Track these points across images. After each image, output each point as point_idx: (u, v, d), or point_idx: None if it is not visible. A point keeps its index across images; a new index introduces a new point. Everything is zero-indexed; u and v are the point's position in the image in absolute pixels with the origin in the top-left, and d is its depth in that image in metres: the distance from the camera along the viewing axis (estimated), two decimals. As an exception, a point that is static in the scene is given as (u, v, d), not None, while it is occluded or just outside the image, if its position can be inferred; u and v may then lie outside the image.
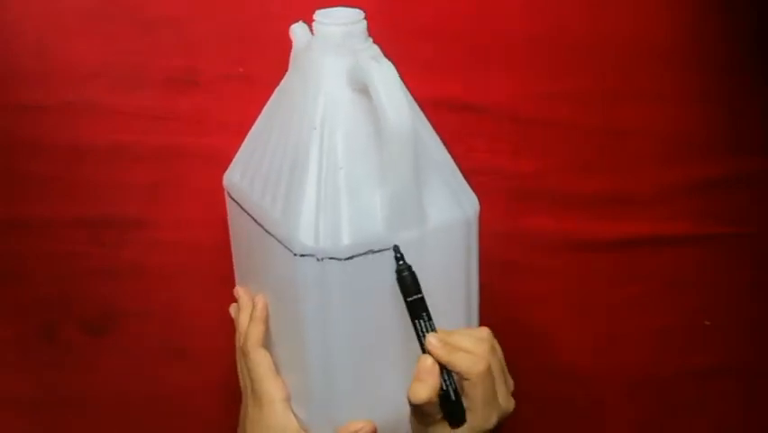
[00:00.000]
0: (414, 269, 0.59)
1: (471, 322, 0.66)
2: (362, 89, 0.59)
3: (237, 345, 0.69)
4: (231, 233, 0.71)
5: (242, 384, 0.69)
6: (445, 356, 0.58)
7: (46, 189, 0.81)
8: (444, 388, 0.58)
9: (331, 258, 0.58)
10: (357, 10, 0.63)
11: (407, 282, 0.59)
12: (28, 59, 0.78)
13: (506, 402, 0.61)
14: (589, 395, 0.90)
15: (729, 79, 0.86)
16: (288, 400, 0.64)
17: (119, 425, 0.85)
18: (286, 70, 0.67)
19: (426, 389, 0.57)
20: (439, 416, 0.59)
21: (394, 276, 0.59)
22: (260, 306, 0.66)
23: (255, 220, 0.65)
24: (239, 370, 0.69)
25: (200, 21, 0.80)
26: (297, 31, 0.66)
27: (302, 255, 0.59)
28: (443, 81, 0.82)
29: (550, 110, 0.85)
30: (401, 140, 0.57)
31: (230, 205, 0.69)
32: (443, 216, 0.61)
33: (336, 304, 0.60)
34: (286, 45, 0.78)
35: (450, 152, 0.65)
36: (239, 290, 0.70)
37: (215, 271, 0.81)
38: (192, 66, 0.80)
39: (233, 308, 0.71)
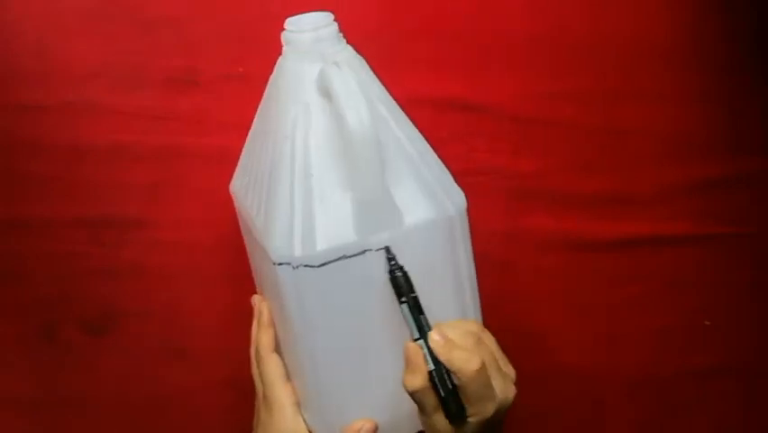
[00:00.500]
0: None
1: (467, 318, 0.67)
2: (328, 95, 0.59)
3: (251, 351, 0.70)
4: (244, 238, 0.71)
5: (256, 389, 0.69)
6: (445, 354, 0.58)
7: (46, 189, 0.81)
8: (443, 385, 0.59)
9: (305, 265, 0.59)
10: (326, 14, 0.63)
11: (401, 283, 0.59)
12: (28, 59, 0.78)
13: (504, 393, 0.61)
14: (589, 395, 0.90)
15: (729, 79, 0.86)
16: (297, 404, 0.65)
17: (119, 425, 0.85)
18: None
19: (418, 377, 0.58)
20: (437, 404, 0.60)
21: (376, 278, 0.60)
22: (265, 312, 0.67)
23: (250, 228, 0.65)
24: (253, 375, 0.69)
25: (200, 21, 0.80)
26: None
27: (279, 264, 0.59)
28: (443, 81, 0.82)
29: (550, 110, 0.85)
30: (363, 143, 0.57)
31: (238, 211, 0.70)
32: (419, 216, 0.61)
33: (316, 309, 0.60)
34: (286, 45, 0.78)
35: (436, 150, 0.65)
36: (254, 298, 0.70)
37: (215, 271, 0.82)
38: (192, 66, 0.80)
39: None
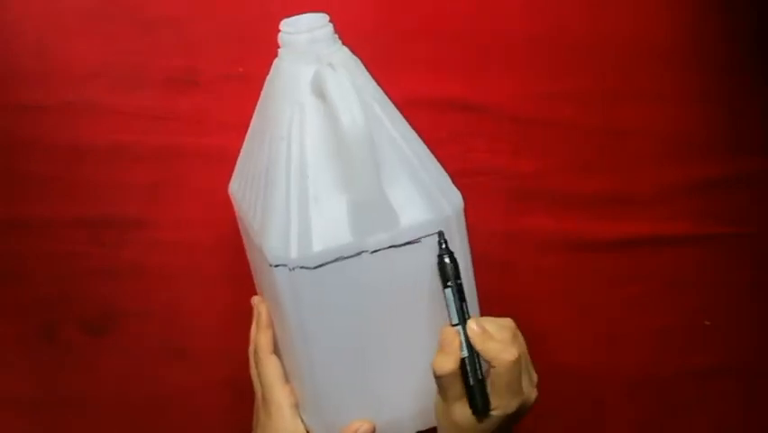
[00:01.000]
0: (389, 271, 0.61)
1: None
2: (323, 96, 0.59)
3: (250, 352, 0.70)
4: (243, 240, 0.71)
5: (255, 390, 0.69)
6: (480, 344, 0.59)
7: (46, 189, 0.81)
8: (474, 373, 0.60)
9: (302, 267, 0.59)
10: (322, 15, 0.63)
11: (448, 268, 0.60)
12: (28, 59, 0.78)
13: (528, 392, 0.62)
14: (589, 395, 0.90)
15: (729, 79, 0.86)
16: (295, 406, 0.65)
17: (119, 425, 0.85)
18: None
19: (450, 360, 0.59)
20: (461, 393, 0.60)
21: (373, 279, 0.61)
22: (263, 313, 0.67)
23: (248, 229, 0.65)
24: (252, 376, 0.69)
25: (200, 21, 0.80)
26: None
27: (275, 265, 0.59)
28: (443, 81, 0.82)
29: (550, 110, 0.85)
30: (357, 144, 0.57)
31: (237, 213, 0.70)
32: (415, 216, 0.61)
33: (313, 310, 0.61)
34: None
35: (433, 151, 0.65)
36: (254, 299, 0.70)
37: (215, 271, 0.82)
38: (192, 66, 0.80)
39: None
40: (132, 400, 0.84)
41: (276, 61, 0.64)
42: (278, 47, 0.64)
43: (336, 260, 0.60)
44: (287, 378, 0.66)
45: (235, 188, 0.69)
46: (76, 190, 0.81)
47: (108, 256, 0.82)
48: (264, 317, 0.67)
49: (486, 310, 0.67)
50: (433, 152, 0.65)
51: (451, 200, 0.63)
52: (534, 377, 0.64)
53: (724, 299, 0.90)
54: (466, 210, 0.64)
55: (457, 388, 0.60)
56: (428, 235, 0.61)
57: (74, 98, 0.79)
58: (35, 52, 0.78)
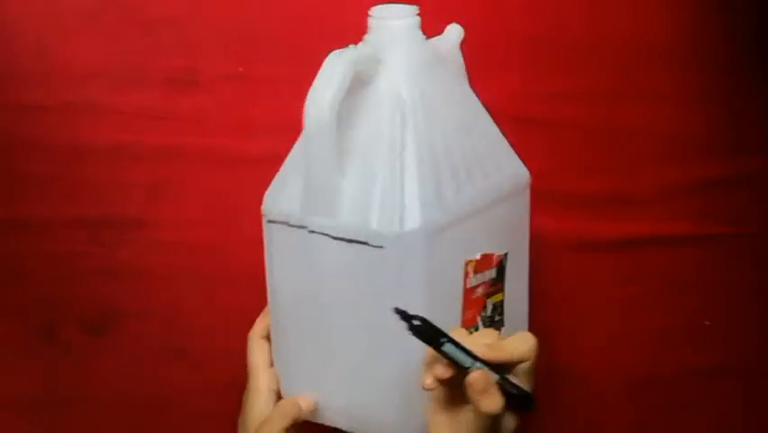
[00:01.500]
0: (333, 258, 0.62)
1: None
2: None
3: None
4: None
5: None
6: (504, 355, 0.58)
7: (46, 189, 0.81)
8: (512, 390, 0.58)
9: (268, 220, 0.65)
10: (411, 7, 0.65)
11: (429, 333, 0.58)
12: (28, 59, 0.78)
13: None
14: (589, 395, 0.90)
15: (729, 79, 0.86)
16: (275, 390, 0.68)
17: (119, 425, 0.85)
18: (286, 70, 0.67)
19: (498, 397, 0.57)
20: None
21: (322, 261, 0.62)
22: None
23: None
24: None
25: (200, 21, 0.80)
26: None
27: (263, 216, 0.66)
28: (443, 81, 0.82)
29: (550, 110, 0.85)
30: (315, 128, 0.59)
31: None
32: (361, 219, 0.61)
33: (278, 268, 0.66)
34: (286, 45, 0.78)
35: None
36: None
37: (215, 271, 0.82)
38: (192, 66, 0.80)
39: None
40: (132, 400, 0.84)
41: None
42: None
43: (284, 223, 0.64)
44: (270, 363, 0.68)
45: None
46: (76, 190, 0.81)
47: (108, 256, 0.82)
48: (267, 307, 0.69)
49: (486, 310, 0.68)
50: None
51: (410, 219, 0.61)
52: None
53: (724, 299, 0.90)
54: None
55: (509, 415, 0.60)
56: (377, 246, 0.60)
57: (74, 98, 0.79)
58: (35, 52, 0.78)
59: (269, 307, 0.68)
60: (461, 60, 0.71)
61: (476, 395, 0.57)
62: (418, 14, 0.65)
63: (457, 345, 0.57)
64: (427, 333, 0.57)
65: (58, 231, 0.81)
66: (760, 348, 0.90)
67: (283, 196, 0.64)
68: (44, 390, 0.84)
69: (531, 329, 0.72)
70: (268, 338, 0.70)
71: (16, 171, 0.80)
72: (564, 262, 0.87)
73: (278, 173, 0.66)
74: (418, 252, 0.61)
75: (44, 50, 0.78)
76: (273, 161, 0.67)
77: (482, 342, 0.59)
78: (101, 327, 0.83)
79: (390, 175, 0.61)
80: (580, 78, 0.84)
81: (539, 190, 0.86)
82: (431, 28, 0.82)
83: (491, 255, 0.66)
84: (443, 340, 0.57)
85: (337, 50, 0.60)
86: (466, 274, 0.64)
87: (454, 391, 0.59)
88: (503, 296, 0.68)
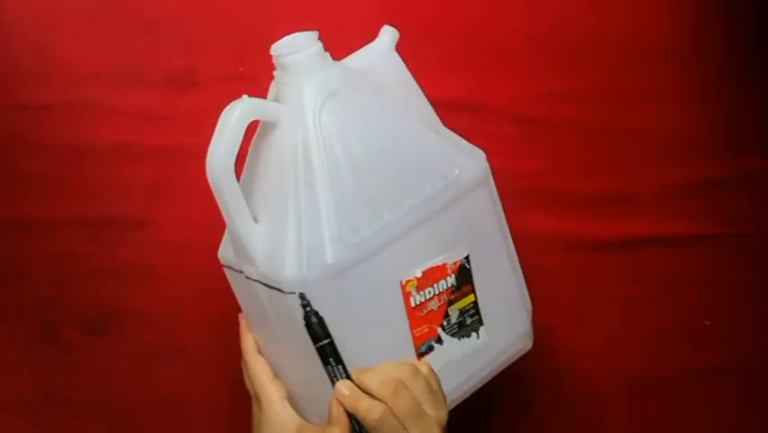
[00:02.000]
0: (266, 301, 0.63)
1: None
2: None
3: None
4: None
5: (250, 393, 0.70)
6: (350, 405, 0.60)
7: (46, 189, 0.81)
8: (358, 430, 0.60)
9: (221, 264, 0.68)
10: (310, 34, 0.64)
11: (315, 328, 0.61)
12: (28, 59, 0.78)
13: None
14: (588, 395, 0.90)
15: (729, 79, 0.86)
16: (285, 398, 0.67)
17: (119, 425, 0.85)
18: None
19: (336, 430, 0.60)
20: None
21: (255, 298, 0.64)
22: (241, 320, 0.70)
23: None
24: (245, 381, 0.71)
25: (200, 21, 0.80)
26: None
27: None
28: (443, 81, 0.82)
29: (550, 110, 0.85)
30: (210, 180, 0.61)
31: None
32: (275, 267, 0.61)
33: (246, 310, 0.69)
34: (286, 45, 0.78)
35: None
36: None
37: (215, 271, 0.81)
38: (192, 66, 0.80)
39: None
40: (132, 401, 0.84)
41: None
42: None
43: (229, 267, 0.67)
44: (274, 374, 0.68)
45: None
46: (76, 190, 0.81)
47: (108, 256, 0.82)
48: (242, 322, 0.70)
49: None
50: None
51: (317, 259, 0.61)
52: (441, 414, 0.62)
53: (724, 299, 0.90)
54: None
55: None
56: (290, 293, 0.61)
57: (74, 98, 0.79)
58: (35, 52, 0.78)
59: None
60: (397, 63, 0.69)
61: (328, 419, 0.61)
62: (319, 39, 0.63)
63: (327, 359, 0.61)
64: (315, 331, 0.61)
65: (58, 231, 0.81)
66: (760, 348, 0.90)
67: (228, 242, 0.66)
68: (44, 390, 0.84)
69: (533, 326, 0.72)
70: (260, 352, 0.70)
71: (16, 171, 0.80)
72: (564, 262, 0.87)
73: None
74: (330, 293, 0.61)
75: (44, 50, 0.78)
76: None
77: (360, 380, 0.61)
78: (101, 327, 0.83)
79: (296, 220, 0.61)
80: (580, 78, 0.84)
81: (539, 190, 0.86)
82: (430, 28, 0.83)
83: (442, 266, 0.65)
84: (321, 343, 0.61)
85: (232, 102, 0.61)
86: (407, 294, 0.64)
87: None
88: (474, 297, 0.68)
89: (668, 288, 0.89)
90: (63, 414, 0.84)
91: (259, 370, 0.68)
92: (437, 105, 0.74)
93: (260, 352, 0.69)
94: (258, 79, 0.68)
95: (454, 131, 0.74)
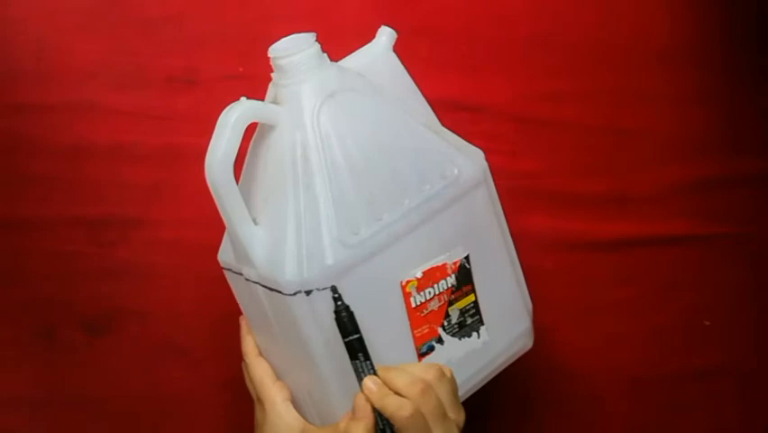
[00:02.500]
0: (267, 302, 0.63)
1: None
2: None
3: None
4: None
5: (252, 396, 0.70)
6: (378, 401, 0.60)
7: (46, 189, 0.81)
8: (381, 428, 0.60)
9: (221, 267, 0.69)
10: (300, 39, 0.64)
11: (345, 322, 0.61)
12: (28, 59, 0.78)
13: None
14: (588, 395, 0.90)
15: (728, 80, 0.86)
16: (288, 399, 0.67)
17: (119, 425, 0.85)
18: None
19: (361, 427, 0.60)
20: None
21: (256, 299, 0.64)
22: (242, 323, 0.70)
23: None
24: (247, 383, 0.71)
25: (200, 21, 0.80)
26: None
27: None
28: (442, 81, 0.82)
29: (549, 110, 0.85)
30: (210, 183, 0.62)
31: None
32: (276, 269, 0.61)
33: (248, 314, 0.69)
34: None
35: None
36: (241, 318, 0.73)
37: (216, 271, 0.81)
38: (192, 66, 0.80)
39: None
40: (132, 401, 0.84)
41: None
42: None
43: (228, 270, 0.67)
44: (276, 376, 0.68)
45: None
46: (76, 190, 0.81)
47: (108, 256, 0.82)
48: (243, 325, 0.70)
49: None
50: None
51: (318, 263, 0.61)
52: (460, 419, 0.63)
53: (723, 299, 0.90)
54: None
55: None
56: (289, 294, 0.61)
57: (74, 98, 0.79)
58: (35, 52, 0.78)
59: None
60: (395, 64, 0.70)
61: (352, 413, 0.61)
62: (317, 41, 0.63)
63: (354, 354, 0.60)
64: (345, 325, 0.61)
65: (58, 231, 0.81)
66: (759, 348, 0.90)
67: (227, 244, 0.67)
68: (44, 390, 0.84)
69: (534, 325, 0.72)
70: (261, 354, 0.70)
71: (16, 171, 0.80)
72: (564, 262, 0.87)
73: None
74: (328, 296, 0.61)
75: (44, 50, 0.78)
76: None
77: (386, 377, 0.61)
78: (101, 327, 0.83)
79: (295, 222, 0.61)
80: (579, 78, 0.84)
81: (539, 190, 0.86)
82: (430, 28, 0.83)
83: (442, 266, 0.66)
84: (351, 338, 0.61)
85: (230, 105, 0.61)
86: (407, 295, 0.64)
87: None
88: (475, 297, 0.68)
89: (667, 288, 0.89)
90: (63, 414, 0.84)
91: (260, 372, 0.68)
92: (437, 105, 0.74)
93: (261, 354, 0.69)
94: (258, 79, 0.68)
95: (454, 131, 0.74)
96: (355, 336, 0.61)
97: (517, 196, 0.85)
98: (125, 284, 0.83)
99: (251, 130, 0.64)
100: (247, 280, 0.65)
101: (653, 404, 0.90)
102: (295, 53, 0.62)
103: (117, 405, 0.84)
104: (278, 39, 0.64)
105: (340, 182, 0.62)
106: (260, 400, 0.68)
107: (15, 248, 0.82)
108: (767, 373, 0.91)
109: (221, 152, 0.60)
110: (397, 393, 0.60)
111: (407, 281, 0.64)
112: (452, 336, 0.67)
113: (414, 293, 0.65)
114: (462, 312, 0.67)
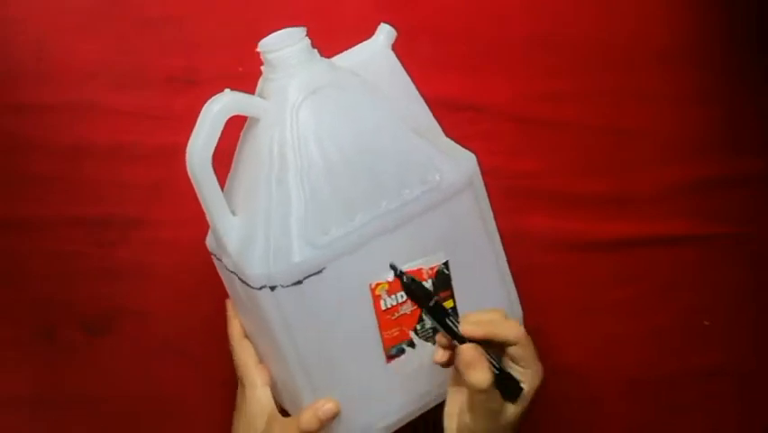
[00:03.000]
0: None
1: None
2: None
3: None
4: None
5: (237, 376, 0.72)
6: (491, 331, 0.61)
7: (46, 189, 0.81)
8: (497, 368, 0.61)
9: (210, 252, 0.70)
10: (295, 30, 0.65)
11: (416, 293, 0.61)
12: (28, 59, 0.78)
13: (538, 368, 0.65)
14: (588, 395, 0.90)
15: (728, 80, 0.86)
16: (267, 384, 0.69)
17: (119, 425, 0.85)
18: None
19: (485, 372, 0.60)
20: (498, 396, 0.63)
21: (241, 293, 0.65)
22: (228, 305, 0.72)
23: None
24: (235, 365, 0.72)
25: (200, 20, 0.80)
26: None
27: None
28: (442, 81, 0.82)
29: (549, 110, 0.85)
30: (189, 172, 0.62)
31: None
32: (249, 263, 0.63)
33: (234, 297, 0.70)
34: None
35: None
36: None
37: (216, 271, 0.81)
38: (192, 65, 0.80)
39: None
40: (132, 400, 0.84)
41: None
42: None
43: (213, 254, 0.69)
44: (259, 359, 0.70)
45: None
46: (76, 190, 0.81)
47: (108, 256, 0.82)
48: (228, 308, 0.72)
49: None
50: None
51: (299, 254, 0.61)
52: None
53: (723, 299, 0.90)
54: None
55: (496, 394, 0.62)
56: (256, 288, 0.62)
57: (74, 98, 0.79)
58: (35, 52, 0.78)
59: None
60: (393, 63, 0.69)
61: (463, 367, 0.60)
62: (306, 36, 0.64)
63: (438, 317, 0.61)
64: (415, 293, 0.61)
65: (58, 231, 0.81)
66: (759, 348, 0.90)
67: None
68: (44, 390, 0.84)
69: (527, 327, 0.72)
70: (247, 337, 0.71)
71: (16, 171, 0.80)
72: (563, 262, 0.87)
73: None
74: (297, 292, 0.62)
75: (44, 50, 0.78)
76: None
77: (474, 318, 0.62)
78: (101, 327, 0.83)
79: (266, 217, 0.62)
80: (579, 78, 0.84)
81: (538, 190, 0.86)
82: (430, 27, 0.83)
83: (418, 270, 0.65)
84: (429, 303, 0.61)
85: (214, 96, 0.62)
86: (377, 297, 0.64)
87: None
88: (453, 303, 0.67)
89: (667, 288, 0.89)
90: (63, 414, 0.84)
91: (244, 355, 0.70)
92: (437, 105, 0.74)
93: (246, 337, 0.70)
94: (258, 79, 0.68)
95: (454, 131, 0.74)
96: (433, 302, 0.61)
97: (517, 196, 0.85)
98: (125, 284, 0.83)
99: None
100: (226, 267, 0.66)
101: (652, 404, 0.90)
102: (282, 48, 0.63)
103: (117, 405, 0.84)
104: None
105: (314, 181, 0.62)
106: (241, 382, 0.70)
107: (15, 248, 0.82)
108: (766, 374, 0.91)
109: (200, 142, 0.61)
110: None
111: (377, 284, 0.64)
112: (426, 340, 0.67)
113: (384, 296, 0.65)
114: None
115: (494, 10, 0.82)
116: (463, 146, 0.72)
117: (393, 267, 0.61)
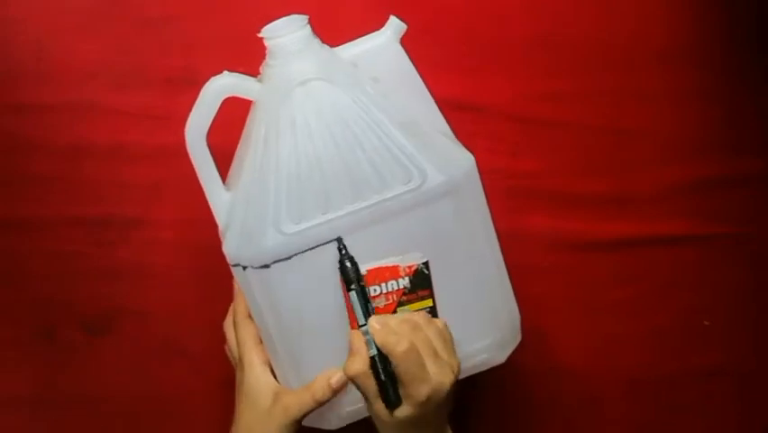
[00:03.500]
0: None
1: None
2: None
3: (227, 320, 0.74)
4: None
5: (233, 356, 0.72)
6: (381, 338, 0.63)
7: (46, 189, 0.81)
8: (384, 370, 0.63)
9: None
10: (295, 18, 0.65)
11: (349, 272, 0.63)
12: (28, 59, 0.78)
13: (439, 377, 0.64)
14: (588, 395, 0.90)
15: (728, 80, 0.86)
16: (266, 363, 0.69)
17: (119, 425, 0.85)
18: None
19: (359, 361, 0.63)
20: (377, 390, 0.64)
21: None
22: (235, 283, 0.71)
23: None
24: (229, 342, 0.73)
25: (200, 21, 0.80)
26: None
27: None
28: (442, 81, 0.82)
29: (549, 110, 0.85)
30: (188, 150, 0.65)
31: None
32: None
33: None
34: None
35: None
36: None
37: (216, 271, 0.81)
38: (192, 66, 0.80)
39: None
40: (132, 400, 0.84)
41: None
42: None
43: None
44: (259, 339, 0.70)
45: None
46: (76, 190, 0.81)
47: (108, 256, 0.82)
48: (235, 285, 0.71)
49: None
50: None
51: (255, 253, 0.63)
52: (453, 362, 0.65)
53: (723, 299, 0.90)
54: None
55: (372, 386, 0.63)
56: (235, 265, 0.64)
57: (74, 98, 0.79)
58: (35, 52, 0.78)
59: None
60: (401, 57, 0.69)
61: (349, 351, 0.64)
62: (308, 24, 0.64)
63: (361, 299, 0.63)
64: (347, 274, 0.63)
65: (58, 231, 0.81)
66: (759, 348, 0.90)
67: None
68: (44, 390, 0.84)
69: (527, 329, 0.72)
70: (251, 316, 0.71)
71: (16, 171, 0.80)
72: (563, 262, 0.87)
73: None
74: (264, 276, 0.63)
75: (44, 50, 0.78)
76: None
77: (387, 321, 0.63)
78: (101, 327, 0.83)
79: (247, 199, 0.64)
80: (579, 78, 0.84)
81: (539, 190, 0.86)
82: (430, 27, 0.83)
83: (393, 267, 0.65)
84: (352, 287, 0.63)
85: (213, 77, 0.64)
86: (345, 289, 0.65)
87: None
88: (433, 303, 0.67)
89: (667, 288, 0.89)
90: (63, 414, 0.84)
91: (247, 333, 0.70)
92: (437, 104, 0.74)
93: (250, 316, 0.70)
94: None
95: (454, 131, 0.74)
96: (358, 287, 0.63)
97: (517, 196, 0.85)
98: (125, 284, 0.83)
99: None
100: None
101: (652, 404, 0.90)
102: (282, 35, 0.63)
103: (117, 405, 0.84)
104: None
105: (291, 170, 0.63)
106: (240, 360, 0.70)
107: (15, 248, 0.82)
108: (766, 374, 0.91)
109: (196, 119, 0.64)
110: None
111: None
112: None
113: None
114: None
115: (494, 10, 0.82)
116: (464, 145, 0.71)
117: (338, 240, 0.63)
